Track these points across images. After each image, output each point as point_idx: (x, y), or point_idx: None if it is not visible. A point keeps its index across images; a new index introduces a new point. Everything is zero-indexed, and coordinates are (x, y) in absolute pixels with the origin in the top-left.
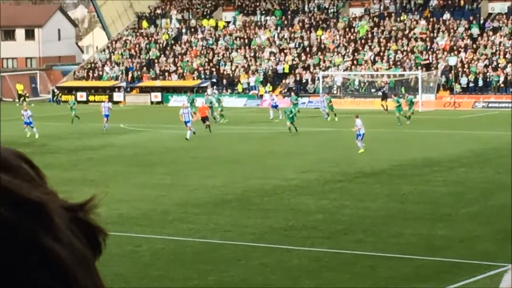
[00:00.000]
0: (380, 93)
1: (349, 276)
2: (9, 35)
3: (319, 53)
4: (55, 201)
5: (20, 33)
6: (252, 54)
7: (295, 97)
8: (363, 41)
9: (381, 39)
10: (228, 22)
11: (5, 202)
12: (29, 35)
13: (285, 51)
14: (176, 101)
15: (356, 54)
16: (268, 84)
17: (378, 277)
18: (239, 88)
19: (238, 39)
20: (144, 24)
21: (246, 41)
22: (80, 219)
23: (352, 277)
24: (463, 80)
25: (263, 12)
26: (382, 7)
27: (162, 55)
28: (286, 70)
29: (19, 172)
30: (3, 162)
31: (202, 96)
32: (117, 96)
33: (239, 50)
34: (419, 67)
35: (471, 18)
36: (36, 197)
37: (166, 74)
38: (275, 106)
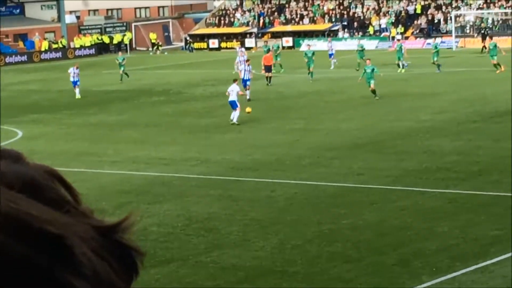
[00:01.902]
0: None
1: (485, 217)
2: None
3: None
4: (82, 225)
5: None
6: None
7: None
8: None
9: None
10: None
11: (17, 236)
12: None
13: None
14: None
15: None
16: (400, 26)
17: None
18: (371, 30)
19: None
20: None
21: None
22: (113, 241)
23: (488, 218)
24: None
25: None
26: None
27: (293, 0)
28: (418, 11)
29: (45, 193)
30: (30, 182)
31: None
32: (249, 42)
33: None
34: None
35: None
36: (54, 228)
37: (297, 18)
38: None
